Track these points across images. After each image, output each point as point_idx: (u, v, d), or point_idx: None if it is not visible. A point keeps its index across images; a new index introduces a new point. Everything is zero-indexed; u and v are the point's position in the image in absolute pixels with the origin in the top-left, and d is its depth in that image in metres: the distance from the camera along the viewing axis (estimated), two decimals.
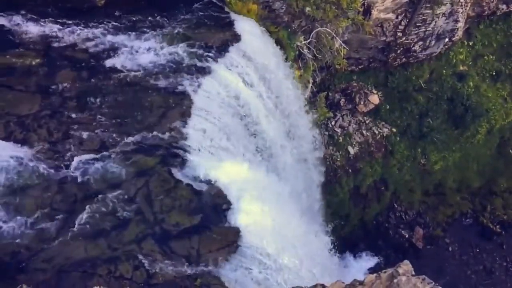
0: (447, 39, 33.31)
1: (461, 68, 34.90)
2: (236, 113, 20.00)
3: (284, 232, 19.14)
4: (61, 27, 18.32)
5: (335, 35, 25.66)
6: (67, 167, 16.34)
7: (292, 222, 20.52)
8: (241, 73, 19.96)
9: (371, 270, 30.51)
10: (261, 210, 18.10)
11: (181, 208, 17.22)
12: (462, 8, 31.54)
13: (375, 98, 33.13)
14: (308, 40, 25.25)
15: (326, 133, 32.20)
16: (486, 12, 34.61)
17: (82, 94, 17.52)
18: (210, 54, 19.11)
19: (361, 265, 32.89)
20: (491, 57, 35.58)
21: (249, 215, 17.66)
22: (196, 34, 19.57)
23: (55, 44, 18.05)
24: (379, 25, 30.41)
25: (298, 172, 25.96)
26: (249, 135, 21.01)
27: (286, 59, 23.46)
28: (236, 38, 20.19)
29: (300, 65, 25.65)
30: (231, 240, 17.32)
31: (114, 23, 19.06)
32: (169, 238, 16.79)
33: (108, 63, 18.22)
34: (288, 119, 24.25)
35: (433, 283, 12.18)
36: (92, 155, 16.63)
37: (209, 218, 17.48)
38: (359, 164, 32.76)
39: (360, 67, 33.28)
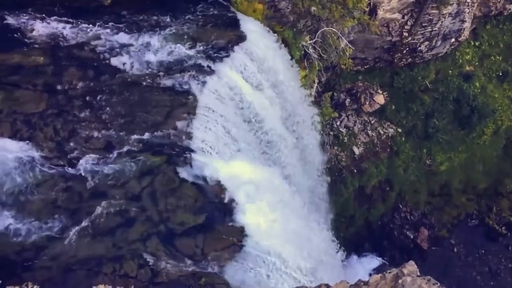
0: (453, 39, 33.17)
1: (468, 68, 34.75)
2: (241, 112, 20.02)
3: (289, 232, 19.12)
4: (68, 26, 18.40)
5: (340, 35, 25.60)
6: (73, 165, 16.41)
7: (297, 222, 20.49)
8: (246, 72, 19.98)
9: (376, 271, 30.49)
10: (266, 209, 18.10)
11: (186, 207, 17.26)
12: (468, 8, 31.40)
13: (380, 98, 33.05)
14: (314, 40, 25.23)
15: (331, 133, 32.17)
16: (493, 12, 34.44)
17: (89, 93, 17.58)
18: (215, 54, 19.14)
19: (366, 266, 32.86)
20: (497, 57, 35.42)
21: (254, 215, 17.67)
22: (201, 33, 19.61)
23: (62, 43, 18.13)
24: (385, 25, 30.32)
25: (304, 173, 25.92)
26: (255, 134, 21.01)
27: (292, 58, 23.45)
28: (242, 37, 20.22)
29: (306, 65, 25.62)
30: (235, 240, 17.34)
31: (121, 23, 19.13)
32: (174, 237, 16.83)
33: (114, 62, 18.29)
34: (294, 120, 24.23)
35: (438, 284, 12.15)
36: (98, 154, 16.70)
37: (214, 217, 17.51)
38: (364, 164, 32.70)
39: (365, 67, 33.21)
